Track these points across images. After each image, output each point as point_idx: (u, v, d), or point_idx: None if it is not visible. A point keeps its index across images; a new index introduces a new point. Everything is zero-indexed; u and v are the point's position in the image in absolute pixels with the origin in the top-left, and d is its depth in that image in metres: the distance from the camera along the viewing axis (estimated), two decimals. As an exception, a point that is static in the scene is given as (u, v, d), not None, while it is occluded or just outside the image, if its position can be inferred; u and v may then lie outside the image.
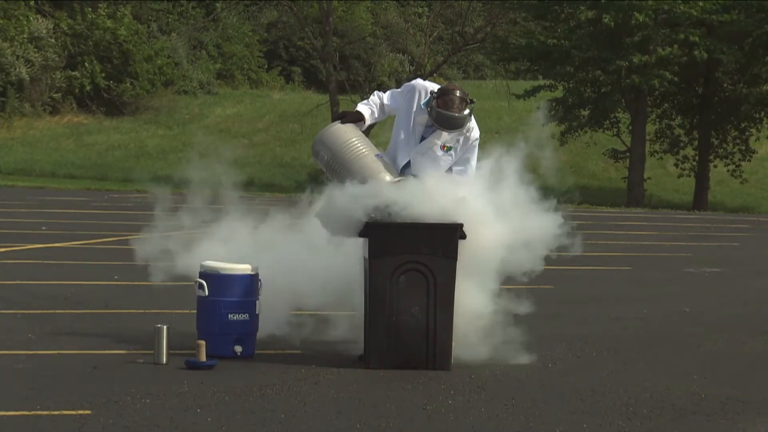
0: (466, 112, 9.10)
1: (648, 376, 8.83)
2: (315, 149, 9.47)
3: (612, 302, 13.10)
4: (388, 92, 9.54)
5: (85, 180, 38.47)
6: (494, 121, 45.51)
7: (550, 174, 9.66)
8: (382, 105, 9.42)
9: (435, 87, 9.23)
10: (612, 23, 35.87)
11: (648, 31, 36.24)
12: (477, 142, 9.34)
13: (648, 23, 35.97)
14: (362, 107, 9.43)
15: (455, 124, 9.11)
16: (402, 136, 9.30)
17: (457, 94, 9.06)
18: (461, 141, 9.26)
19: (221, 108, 50.41)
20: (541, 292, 11.70)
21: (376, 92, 9.56)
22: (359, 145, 9.25)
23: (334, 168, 9.29)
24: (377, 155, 9.24)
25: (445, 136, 9.19)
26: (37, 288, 12.71)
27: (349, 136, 9.29)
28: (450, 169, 9.30)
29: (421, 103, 9.21)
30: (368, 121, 9.41)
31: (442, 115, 9.05)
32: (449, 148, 9.24)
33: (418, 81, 9.44)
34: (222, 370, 8.55)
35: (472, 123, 9.27)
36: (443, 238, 8.76)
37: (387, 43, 53.38)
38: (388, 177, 9.07)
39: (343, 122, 9.43)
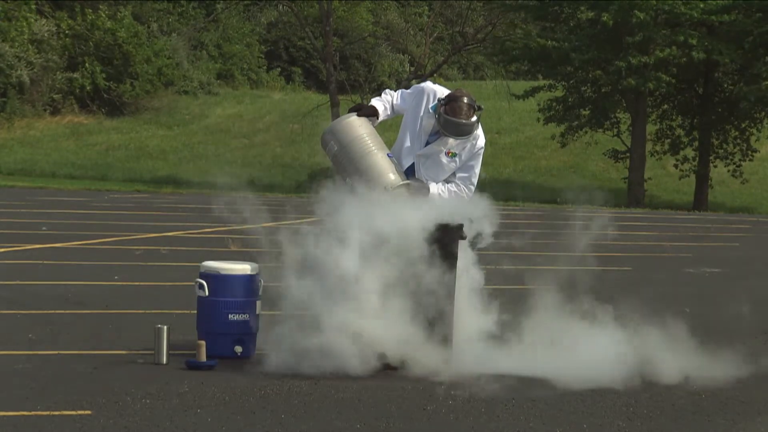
0: (474, 119, 9.05)
1: (648, 377, 8.82)
2: (325, 139, 9.32)
3: (611, 303, 13.05)
4: (398, 92, 9.48)
5: (85, 180, 38.47)
6: (494, 122, 45.51)
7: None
8: (392, 104, 9.38)
9: (444, 92, 9.12)
10: (611, 22, 35.83)
11: (648, 30, 36.20)
12: (482, 150, 9.29)
13: (648, 22, 35.93)
14: (376, 102, 9.34)
15: (463, 131, 9.04)
16: (408, 138, 9.23)
17: (465, 101, 8.97)
18: (467, 148, 9.19)
19: (221, 108, 50.44)
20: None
21: (387, 90, 9.50)
22: (369, 142, 9.13)
23: (341, 162, 9.15)
24: (387, 155, 9.17)
25: (451, 142, 9.12)
26: (37, 288, 12.71)
27: (361, 132, 9.18)
28: (453, 175, 9.28)
29: (429, 107, 9.15)
30: (381, 117, 9.33)
31: (450, 122, 8.98)
32: (454, 155, 9.19)
33: (428, 84, 9.36)
34: (222, 370, 8.54)
35: (479, 131, 9.20)
36: (443, 238, 8.76)
37: (387, 44, 53.35)
38: (393, 178, 9.03)
39: (358, 115, 9.34)
